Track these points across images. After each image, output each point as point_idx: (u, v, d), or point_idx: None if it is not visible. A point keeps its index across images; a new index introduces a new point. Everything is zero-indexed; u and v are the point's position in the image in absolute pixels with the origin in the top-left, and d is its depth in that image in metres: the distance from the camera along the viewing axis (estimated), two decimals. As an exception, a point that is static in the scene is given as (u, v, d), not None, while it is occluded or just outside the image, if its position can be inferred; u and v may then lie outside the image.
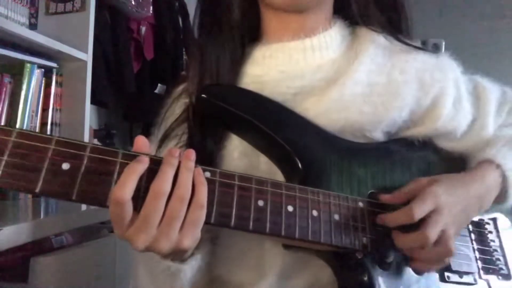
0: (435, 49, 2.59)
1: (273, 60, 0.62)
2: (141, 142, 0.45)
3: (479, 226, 0.65)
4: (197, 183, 0.44)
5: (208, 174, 0.46)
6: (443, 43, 2.47)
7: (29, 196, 1.32)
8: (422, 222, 0.52)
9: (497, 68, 2.35)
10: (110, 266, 1.18)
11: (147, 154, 0.44)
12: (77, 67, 1.48)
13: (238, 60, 0.63)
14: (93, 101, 1.56)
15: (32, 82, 1.33)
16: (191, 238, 0.44)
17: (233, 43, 0.64)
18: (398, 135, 0.63)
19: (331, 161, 0.57)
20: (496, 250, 0.66)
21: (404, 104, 0.61)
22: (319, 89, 0.60)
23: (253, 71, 0.63)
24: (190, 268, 0.53)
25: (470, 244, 0.64)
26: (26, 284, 0.96)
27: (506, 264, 0.65)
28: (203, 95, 0.56)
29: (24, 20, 1.44)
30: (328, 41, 0.63)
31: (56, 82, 1.45)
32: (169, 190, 0.42)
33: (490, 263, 0.64)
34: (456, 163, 0.65)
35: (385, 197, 0.56)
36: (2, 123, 1.26)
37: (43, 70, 1.40)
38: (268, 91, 0.58)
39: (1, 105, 1.24)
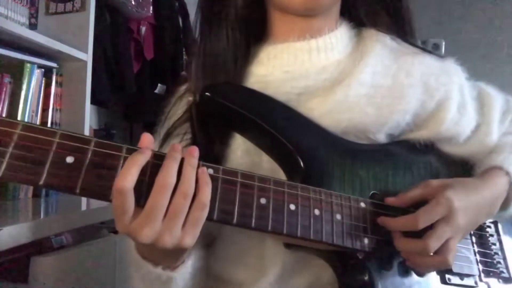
0: (435, 49, 2.59)
1: (278, 60, 0.62)
2: (147, 139, 0.45)
3: (480, 229, 0.65)
4: (202, 182, 0.44)
5: (211, 171, 0.47)
6: (443, 43, 2.47)
7: (29, 196, 1.32)
8: (427, 229, 0.52)
9: (497, 68, 2.35)
10: (110, 266, 1.18)
11: (151, 150, 0.44)
12: (77, 67, 1.48)
13: (242, 59, 0.63)
14: (93, 101, 1.56)
15: (32, 82, 1.33)
16: (193, 236, 0.44)
17: (236, 41, 0.63)
18: (401, 138, 0.63)
19: (333, 161, 0.57)
20: (497, 253, 0.65)
21: (408, 108, 0.61)
22: (324, 89, 0.60)
23: (258, 71, 0.62)
24: (181, 276, 0.53)
25: (471, 247, 0.63)
26: (26, 284, 0.96)
27: (506, 267, 0.65)
28: (206, 94, 0.55)
29: (24, 20, 1.44)
30: (333, 42, 0.63)
31: (56, 82, 1.44)
32: (174, 183, 0.42)
33: (491, 266, 0.64)
34: (458, 167, 0.65)
35: (390, 200, 0.56)
36: (2, 123, 1.25)
37: (43, 70, 1.40)
38: (271, 91, 0.58)
39: (1, 105, 1.24)
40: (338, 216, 0.52)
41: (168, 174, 0.42)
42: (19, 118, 1.27)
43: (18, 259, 1.02)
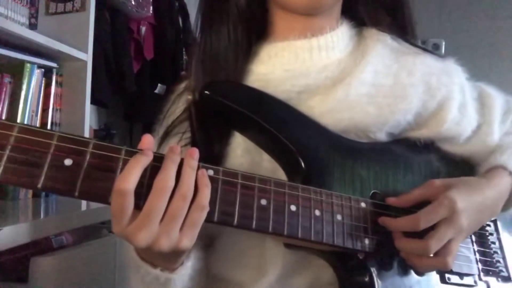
0: (435, 49, 2.59)
1: (279, 58, 0.62)
2: (147, 141, 0.44)
3: (480, 228, 0.64)
4: (201, 184, 0.44)
5: (211, 172, 0.46)
6: (443, 43, 2.47)
7: (29, 196, 1.32)
8: (428, 230, 0.52)
9: (497, 68, 2.35)
10: (110, 266, 1.18)
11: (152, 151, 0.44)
12: (77, 67, 1.48)
13: (243, 57, 0.63)
14: (93, 101, 1.56)
15: (32, 82, 1.33)
16: (191, 238, 0.44)
17: (237, 38, 0.63)
18: (402, 136, 0.63)
19: (334, 161, 0.56)
20: (496, 252, 0.65)
21: (410, 107, 0.61)
22: (324, 88, 0.60)
23: (258, 69, 0.62)
24: (180, 278, 0.52)
25: (471, 246, 0.63)
26: (26, 284, 0.96)
27: (506, 266, 0.65)
28: (206, 92, 0.55)
29: (24, 20, 1.44)
30: (335, 41, 0.63)
31: (56, 82, 1.44)
32: (172, 186, 0.42)
33: (490, 265, 0.64)
34: (459, 167, 0.65)
35: (391, 200, 0.56)
36: (2, 123, 1.25)
37: (43, 70, 1.39)
38: (271, 89, 0.58)
39: (1, 105, 1.24)
40: (339, 217, 0.52)
41: (166, 177, 0.42)
42: (19, 118, 1.27)
43: (18, 259, 1.02)
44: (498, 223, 0.68)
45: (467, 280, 0.60)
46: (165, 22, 2.05)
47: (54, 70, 1.44)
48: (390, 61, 0.63)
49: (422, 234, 0.52)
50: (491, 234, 0.66)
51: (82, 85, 1.48)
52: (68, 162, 0.40)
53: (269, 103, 0.57)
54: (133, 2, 1.79)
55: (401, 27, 0.66)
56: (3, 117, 1.25)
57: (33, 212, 1.18)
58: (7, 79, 1.27)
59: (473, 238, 0.64)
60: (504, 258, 0.66)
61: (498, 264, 0.64)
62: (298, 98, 0.59)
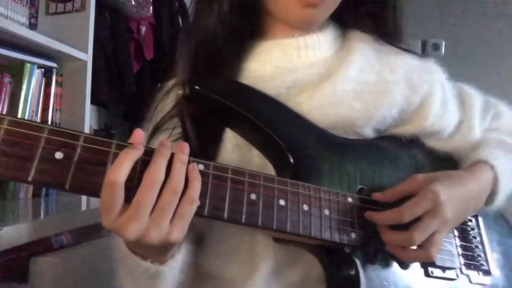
0: (435, 49, 2.59)
1: (268, 56, 0.64)
2: (138, 135, 0.45)
3: (462, 223, 0.66)
4: (191, 178, 0.45)
5: (201, 166, 0.47)
6: (443, 43, 2.47)
7: (29, 196, 1.32)
8: (413, 223, 0.53)
9: (497, 68, 2.35)
10: (110, 266, 1.18)
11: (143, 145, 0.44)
12: (77, 67, 1.48)
13: (233, 54, 0.63)
14: (93, 101, 1.56)
15: (32, 82, 1.33)
16: (181, 230, 0.44)
17: (228, 36, 0.63)
18: (388, 133, 0.65)
19: (323, 157, 0.58)
20: (477, 247, 0.67)
21: (394, 102, 0.63)
22: (312, 84, 0.62)
23: (248, 66, 0.63)
24: (170, 270, 0.52)
25: (453, 240, 0.65)
26: (26, 284, 0.96)
27: (486, 260, 0.67)
28: (196, 87, 0.56)
29: (24, 20, 1.44)
30: (321, 41, 0.65)
31: (56, 82, 1.45)
32: (162, 179, 0.43)
33: (471, 259, 0.65)
34: (443, 162, 0.67)
35: (377, 195, 0.58)
36: (2, 123, 1.25)
37: (43, 70, 1.40)
38: (260, 85, 0.59)
39: (1, 105, 1.24)
40: (327, 211, 0.53)
41: (156, 170, 0.42)
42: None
43: (18, 259, 1.02)
44: (480, 219, 0.70)
45: (449, 274, 0.61)
46: (165, 22, 2.04)
47: (54, 70, 1.44)
48: (373, 60, 0.65)
49: (407, 228, 0.53)
50: (472, 229, 0.68)
51: (82, 85, 1.48)
52: (59, 155, 0.41)
53: (258, 98, 0.58)
54: (133, 2, 1.79)
55: (384, 31, 0.69)
56: (3, 117, 1.25)
57: (33, 212, 1.18)
58: (7, 79, 1.27)
59: (456, 233, 0.66)
60: (484, 252, 0.67)
61: (479, 258, 0.66)
62: (287, 94, 0.61)
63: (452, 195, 0.56)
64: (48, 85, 1.42)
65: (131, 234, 0.42)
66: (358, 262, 0.54)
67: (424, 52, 2.47)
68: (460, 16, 2.46)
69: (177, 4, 2.16)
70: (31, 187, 1.34)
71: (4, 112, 1.25)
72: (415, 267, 0.59)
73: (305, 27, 0.64)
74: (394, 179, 0.59)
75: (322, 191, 0.54)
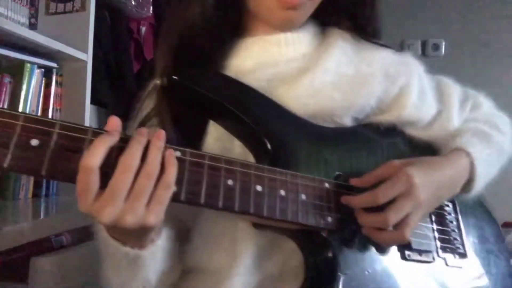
0: (435, 49, 2.58)
1: (248, 51, 0.65)
2: (114, 122, 0.45)
3: (439, 208, 0.67)
4: (168, 163, 0.45)
5: (178, 153, 0.47)
6: (443, 43, 2.47)
7: (29, 196, 1.32)
8: (388, 204, 0.54)
9: (497, 68, 2.35)
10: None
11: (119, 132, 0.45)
12: (77, 67, 1.48)
13: (215, 49, 0.64)
14: (93, 101, 1.56)
15: (32, 82, 1.33)
16: (157, 214, 0.44)
17: (208, 29, 0.64)
18: (366, 121, 0.67)
19: (300, 144, 0.59)
20: (454, 231, 0.68)
21: (372, 91, 0.66)
22: (292, 76, 0.63)
23: (229, 61, 0.64)
24: (150, 255, 0.53)
25: (430, 225, 0.66)
26: (26, 284, 0.96)
27: (462, 243, 0.68)
28: (174, 77, 0.56)
29: (24, 20, 1.44)
30: (301, 37, 0.67)
31: (56, 82, 1.45)
32: (137, 165, 0.43)
33: (448, 242, 0.66)
34: (421, 151, 0.68)
35: (354, 181, 0.58)
36: (2, 123, 1.25)
37: (43, 70, 1.40)
38: (240, 78, 0.60)
39: (1, 105, 1.24)
40: (303, 196, 0.54)
41: (131, 156, 0.43)
42: (19, 118, 1.27)
43: (18, 259, 1.02)
44: (457, 206, 0.71)
45: (426, 257, 0.62)
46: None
47: (54, 70, 1.44)
48: (351, 54, 0.68)
49: (382, 211, 0.54)
50: (449, 213, 0.69)
51: (82, 85, 1.49)
52: (35, 142, 0.41)
53: (235, 87, 0.59)
54: (133, 2, 1.79)
55: (362, 29, 0.70)
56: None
57: (33, 212, 1.18)
58: (7, 79, 1.27)
59: (433, 217, 0.67)
60: (461, 236, 0.69)
61: (455, 242, 0.67)
62: (267, 86, 0.62)
63: (427, 178, 0.57)
64: (48, 85, 1.42)
65: (107, 218, 0.42)
66: (335, 245, 0.55)
67: (424, 52, 2.47)
68: (460, 16, 2.46)
69: (177, 4, 2.16)
70: (31, 187, 1.34)
71: (4, 112, 1.25)
72: (392, 251, 0.60)
73: (285, 27, 0.66)
74: (371, 165, 0.60)
75: (299, 177, 0.55)
